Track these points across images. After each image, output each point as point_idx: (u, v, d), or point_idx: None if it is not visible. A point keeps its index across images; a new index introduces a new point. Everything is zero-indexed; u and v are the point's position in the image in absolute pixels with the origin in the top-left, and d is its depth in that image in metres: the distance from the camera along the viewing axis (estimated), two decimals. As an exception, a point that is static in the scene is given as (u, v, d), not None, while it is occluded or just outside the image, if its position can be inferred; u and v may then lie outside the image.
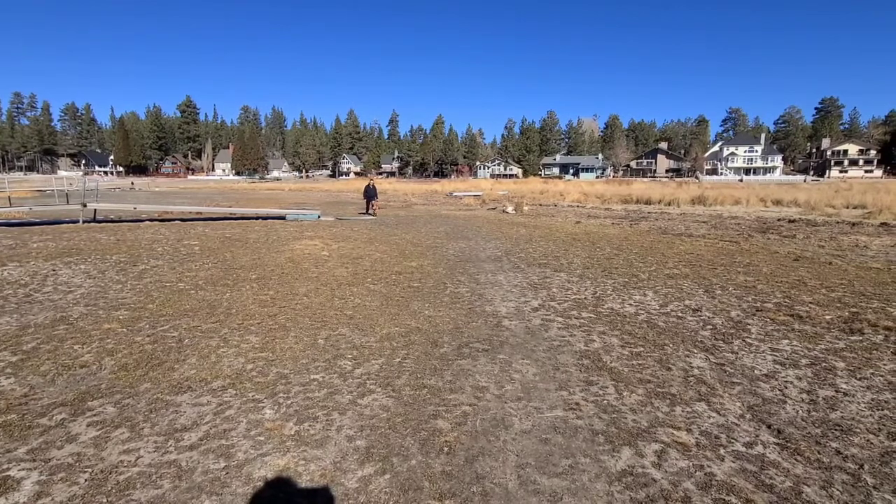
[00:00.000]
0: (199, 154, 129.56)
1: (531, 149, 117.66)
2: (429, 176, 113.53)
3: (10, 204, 19.36)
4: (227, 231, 13.64)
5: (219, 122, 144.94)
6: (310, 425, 3.01)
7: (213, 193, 44.51)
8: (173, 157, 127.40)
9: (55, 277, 7.28)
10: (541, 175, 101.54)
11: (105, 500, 2.29)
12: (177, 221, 16.56)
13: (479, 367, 3.98)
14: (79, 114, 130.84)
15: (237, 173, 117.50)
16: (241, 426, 3.00)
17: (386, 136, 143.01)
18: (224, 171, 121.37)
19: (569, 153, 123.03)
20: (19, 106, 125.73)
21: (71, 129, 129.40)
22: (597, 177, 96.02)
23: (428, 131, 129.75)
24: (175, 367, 3.89)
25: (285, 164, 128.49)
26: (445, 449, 2.77)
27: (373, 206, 20.14)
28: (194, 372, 3.80)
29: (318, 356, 4.18)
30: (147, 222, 16.14)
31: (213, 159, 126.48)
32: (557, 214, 20.59)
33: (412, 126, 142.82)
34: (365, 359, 4.13)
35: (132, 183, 66.80)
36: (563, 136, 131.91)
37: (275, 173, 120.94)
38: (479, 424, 3.05)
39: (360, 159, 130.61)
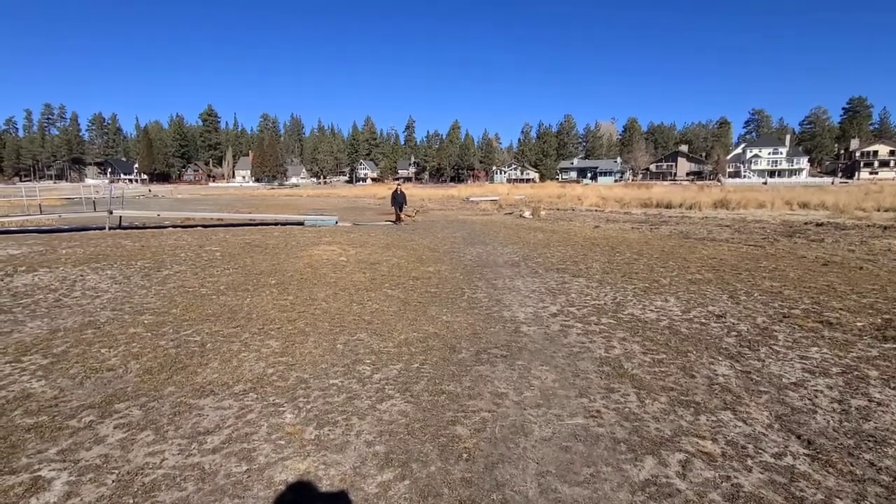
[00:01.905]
0: (219, 161, 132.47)
1: (548, 153, 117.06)
2: (445, 181, 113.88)
3: (41, 211, 20.07)
4: (248, 237, 13.89)
5: (239, 130, 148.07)
6: (329, 430, 3.04)
7: (234, 200, 45.41)
8: (195, 164, 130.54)
9: (83, 282, 7.51)
10: (558, 179, 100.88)
11: (132, 501, 2.35)
12: (199, 227, 16.94)
13: (498, 373, 3.96)
14: (105, 123, 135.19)
15: (257, 180, 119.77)
16: (263, 430, 3.04)
17: (402, 142, 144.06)
18: (244, 177, 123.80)
19: (586, 157, 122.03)
20: (49, 116, 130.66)
21: (98, 138, 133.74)
22: (615, 181, 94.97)
23: (444, 136, 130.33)
24: (198, 371, 3.97)
25: (303, 170, 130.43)
26: (465, 455, 2.76)
27: (404, 213, 18.63)
28: (217, 376, 3.87)
29: (337, 361, 4.21)
30: (170, 228, 16.54)
31: (234, 166, 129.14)
32: (575, 219, 20.41)
33: (428, 131, 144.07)
34: (383, 364, 4.15)
35: (149, 190, 68.35)
36: (580, 140, 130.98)
37: (293, 180, 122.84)
38: (499, 431, 3.03)
39: (376, 165, 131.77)
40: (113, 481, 2.51)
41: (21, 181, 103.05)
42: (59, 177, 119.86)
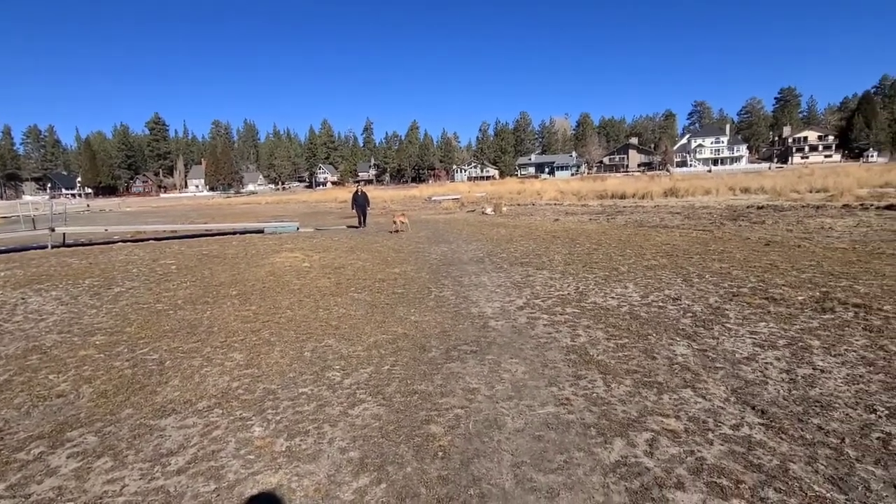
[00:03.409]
0: (170, 171, 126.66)
1: (506, 150, 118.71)
2: (406, 182, 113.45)
3: (-27, 232, 18.55)
4: (205, 248, 13.34)
5: (189, 137, 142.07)
6: (301, 440, 2.96)
7: (188, 211, 43.56)
8: (144, 175, 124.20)
9: (25, 306, 6.99)
10: (517, 175, 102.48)
11: (90, 534, 2.20)
12: (151, 241, 16.12)
13: (469, 369, 3.97)
14: (42, 136, 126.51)
15: (211, 189, 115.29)
16: (230, 446, 2.92)
17: (361, 144, 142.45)
18: (198, 187, 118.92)
19: (543, 152, 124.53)
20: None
21: (34, 151, 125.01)
22: (572, 174, 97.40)
23: (403, 137, 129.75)
24: (157, 391, 3.77)
25: (260, 177, 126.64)
26: (440, 453, 2.75)
27: (398, 223, 15.57)
28: (178, 394, 3.69)
29: (305, 369, 4.11)
30: (120, 244, 15.66)
31: (186, 176, 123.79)
32: (536, 213, 20.78)
33: (387, 133, 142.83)
34: (353, 368, 4.08)
35: (87, 205, 63.88)
36: (536, 136, 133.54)
37: (250, 187, 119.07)
38: (473, 426, 3.04)
39: (336, 168, 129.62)
40: (68, 514, 2.34)
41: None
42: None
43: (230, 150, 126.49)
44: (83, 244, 16.25)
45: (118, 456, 2.86)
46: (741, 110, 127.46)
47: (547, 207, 24.26)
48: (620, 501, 2.29)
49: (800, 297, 5.50)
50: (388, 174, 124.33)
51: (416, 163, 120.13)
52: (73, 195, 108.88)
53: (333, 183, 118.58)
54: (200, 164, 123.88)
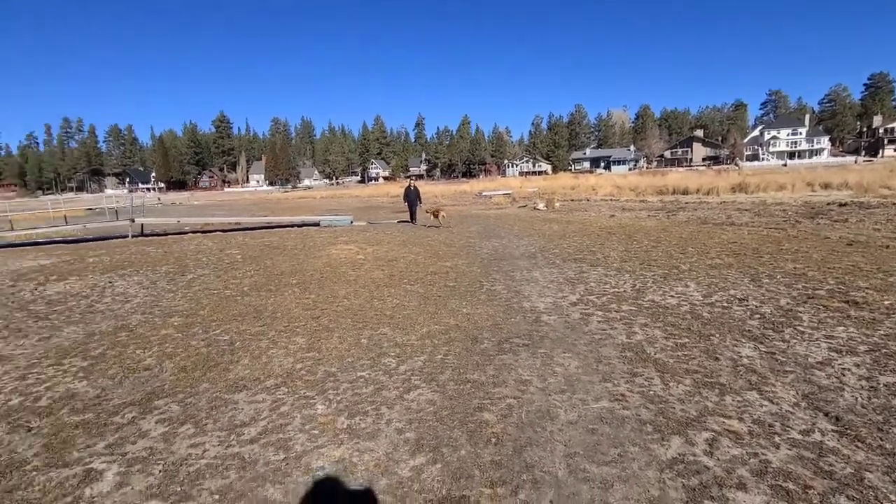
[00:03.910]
0: (233, 167, 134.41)
1: (560, 144, 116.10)
2: (457, 177, 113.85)
3: (67, 222, 20.69)
4: (266, 239, 14.14)
5: (251, 134, 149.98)
6: (360, 419, 3.15)
7: (249, 204, 46.14)
8: (210, 170, 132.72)
9: (112, 289, 7.77)
10: (571, 170, 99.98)
11: (179, 489, 2.48)
12: (218, 232, 17.29)
13: (521, 361, 4.02)
14: (122, 134, 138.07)
15: (270, 183, 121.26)
16: (296, 421, 3.16)
17: (413, 140, 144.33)
18: (258, 182, 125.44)
19: (599, 146, 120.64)
20: (68, 130, 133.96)
21: (115, 149, 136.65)
22: (629, 169, 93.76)
23: (454, 132, 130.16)
24: (230, 368, 4.11)
25: (316, 172, 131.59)
26: (493, 440, 2.84)
27: (432, 215, 16.13)
28: (248, 372, 4.01)
29: (362, 355, 4.32)
30: (190, 234, 16.91)
31: (248, 171, 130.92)
32: (590, 209, 20.28)
33: (438, 128, 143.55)
34: (408, 356, 4.25)
35: (159, 199, 68.68)
36: (592, 130, 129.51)
37: (306, 182, 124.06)
38: (525, 416, 3.10)
39: (388, 164, 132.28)
40: (160, 471, 2.65)
41: (44, 194, 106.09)
42: (80, 188, 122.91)
43: (288, 147, 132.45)
44: (158, 234, 17.69)
45: (199, 424, 3.17)
46: (823, 99, 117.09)
47: (602, 203, 23.59)
48: (677, 497, 2.28)
49: (886, 302, 5.08)
50: (438, 169, 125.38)
51: (466, 158, 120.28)
52: (148, 189, 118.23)
53: (385, 178, 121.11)
54: (261, 159, 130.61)
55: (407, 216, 18.33)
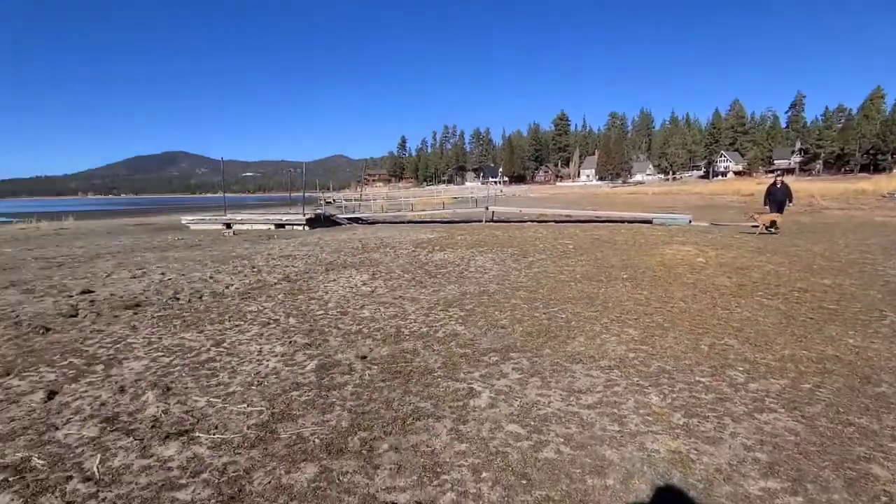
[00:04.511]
0: (567, 162, 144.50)
1: None
2: (850, 171, 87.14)
3: (444, 207, 27.29)
4: (595, 233, 14.83)
5: (587, 130, 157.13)
6: (699, 422, 3.11)
7: (578, 198, 48.81)
8: (545, 166, 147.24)
9: (474, 262, 9.92)
10: None
11: (532, 424, 3.13)
12: (551, 223, 19.23)
13: (949, 424, 3.00)
14: (481, 136, 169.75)
15: (600, 179, 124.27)
16: (630, 402, 3.40)
17: (784, 125, 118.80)
18: (588, 177, 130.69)
19: None
20: (446, 135, 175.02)
21: (475, 149, 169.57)
22: None
23: (854, 111, 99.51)
24: (567, 342, 4.72)
25: (650, 166, 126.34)
26: (884, 499, 2.31)
27: (764, 219, 13.80)
28: (583, 349, 4.51)
29: (701, 361, 4.16)
30: (528, 223, 19.47)
31: (579, 166, 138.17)
32: None
33: (827, 107, 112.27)
34: (760, 375, 3.82)
35: (501, 191, 79.12)
36: None
37: (637, 177, 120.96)
38: (949, 492, 2.35)
39: (742, 156, 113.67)
40: (517, 405, 3.40)
41: (427, 185, 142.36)
42: (450, 181, 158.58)
43: (622, 141, 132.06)
44: (503, 221, 21.12)
45: (544, 379, 3.84)
46: None
47: None
48: None
49: None
50: (820, 161, 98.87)
51: (872, 145, 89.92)
52: (496, 182, 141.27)
53: (736, 173, 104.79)
54: (593, 154, 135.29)
55: (767, 219, 15.44)
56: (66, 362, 4.33)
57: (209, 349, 4.68)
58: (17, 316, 5.96)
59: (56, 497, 2.35)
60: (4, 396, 3.58)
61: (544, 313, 5.79)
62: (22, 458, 2.70)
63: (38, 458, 2.69)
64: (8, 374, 3.98)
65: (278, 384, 3.82)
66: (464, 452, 2.79)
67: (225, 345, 4.82)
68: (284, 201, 50.89)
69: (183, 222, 21.23)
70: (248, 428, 3.10)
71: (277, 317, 5.87)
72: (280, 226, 19.57)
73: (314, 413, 3.31)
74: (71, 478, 2.51)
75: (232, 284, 7.88)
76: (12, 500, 2.33)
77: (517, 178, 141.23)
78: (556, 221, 19.82)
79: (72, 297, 7.04)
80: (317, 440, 2.94)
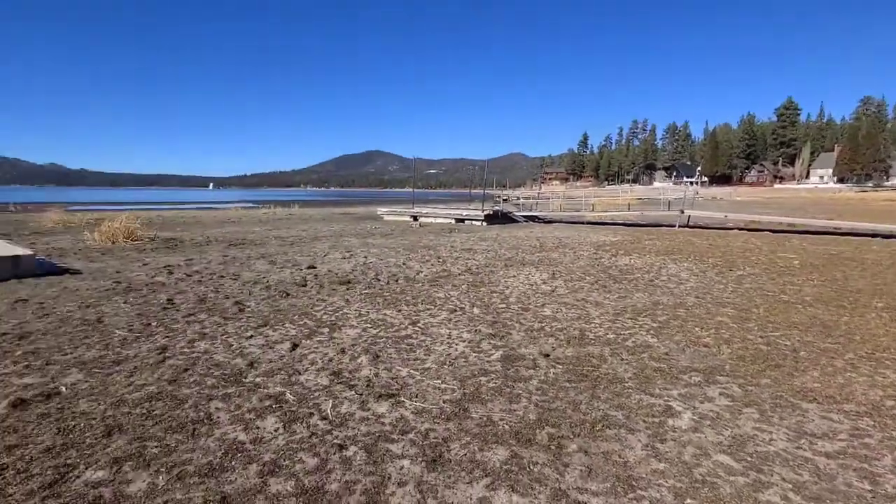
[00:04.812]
0: (791, 160, 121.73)
1: None
2: None
3: (629, 208, 25.66)
4: (832, 247, 12.25)
5: (824, 121, 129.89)
6: None
7: (805, 203, 40.85)
8: (760, 164, 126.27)
9: (666, 269, 9.10)
10: None
11: (748, 460, 2.76)
12: (766, 232, 16.49)
13: None
14: (677, 131, 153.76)
15: (839, 180, 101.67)
16: (886, 461, 2.74)
17: None
18: (822, 178, 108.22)
19: None
20: (634, 130, 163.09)
21: (669, 145, 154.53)
22: None
23: None
24: (794, 375, 4.02)
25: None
26: None
27: None
28: (818, 386, 3.79)
29: None
30: (735, 231, 17.02)
31: (809, 165, 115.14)
32: None
33: None
34: None
35: (696, 192, 70.17)
36: None
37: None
38: None
39: None
40: (729, 436, 3.03)
41: (608, 185, 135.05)
42: (635, 180, 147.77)
43: (879, 133, 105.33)
44: (701, 226, 18.88)
45: (763, 413, 3.34)
46: None
47: None
48: None
49: None
50: None
51: None
52: (691, 183, 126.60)
53: None
54: (832, 150, 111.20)
55: None
56: (301, 322, 5.37)
57: (406, 327, 5.27)
58: (267, 282, 7.59)
59: (303, 427, 2.99)
60: (265, 342, 4.65)
61: (761, 337, 5.02)
62: (279, 392, 3.47)
63: (290, 395, 3.44)
64: (265, 325, 5.15)
65: (467, 367, 4.10)
66: (662, 472, 2.62)
67: (419, 325, 5.36)
68: (463, 197, 54.02)
69: (378, 213, 24.17)
70: (444, 402, 3.41)
71: (463, 305, 6.29)
72: (460, 220, 20.82)
73: (502, 400, 3.47)
74: (312, 414, 3.17)
75: (421, 272, 8.69)
76: (276, 420, 3.03)
77: (721, 179, 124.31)
78: (773, 231, 16.90)
79: (301, 270, 8.64)
80: (506, 426, 3.08)
